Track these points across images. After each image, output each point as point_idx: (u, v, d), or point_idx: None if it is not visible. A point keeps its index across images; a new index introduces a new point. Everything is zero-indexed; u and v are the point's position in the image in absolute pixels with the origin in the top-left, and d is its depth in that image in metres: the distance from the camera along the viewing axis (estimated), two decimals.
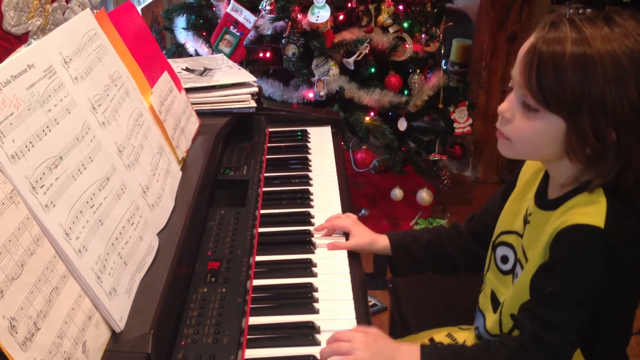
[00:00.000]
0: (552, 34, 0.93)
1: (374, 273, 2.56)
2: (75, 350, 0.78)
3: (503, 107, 1.01)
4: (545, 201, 1.07)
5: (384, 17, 2.64)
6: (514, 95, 1.00)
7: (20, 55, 0.87)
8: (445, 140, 2.96)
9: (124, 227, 0.97)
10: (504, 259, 1.16)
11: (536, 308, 1.00)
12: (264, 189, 1.48)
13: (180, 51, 2.76)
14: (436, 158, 2.88)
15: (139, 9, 3.20)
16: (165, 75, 1.42)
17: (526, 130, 0.98)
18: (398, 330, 1.49)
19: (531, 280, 1.02)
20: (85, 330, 0.81)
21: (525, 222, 1.11)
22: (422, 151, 2.95)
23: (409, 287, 1.54)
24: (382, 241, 1.32)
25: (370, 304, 2.42)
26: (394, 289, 1.55)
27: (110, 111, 1.06)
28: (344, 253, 1.27)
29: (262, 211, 1.39)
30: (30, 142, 0.81)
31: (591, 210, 0.96)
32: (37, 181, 0.80)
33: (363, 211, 2.96)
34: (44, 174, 0.82)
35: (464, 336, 1.29)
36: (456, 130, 2.88)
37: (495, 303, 1.17)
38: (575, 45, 0.91)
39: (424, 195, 2.94)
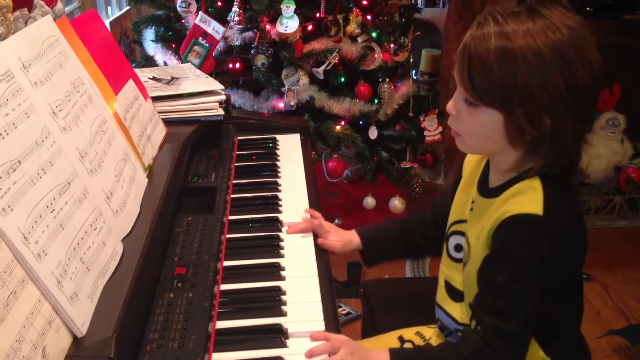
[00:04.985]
0: (479, 32, 0.99)
1: (348, 281, 2.56)
2: (35, 355, 0.76)
3: (450, 105, 1.07)
4: (486, 189, 1.12)
5: (352, 27, 2.67)
6: (457, 93, 1.05)
7: None
8: (416, 148, 2.99)
9: (86, 232, 0.96)
10: (458, 248, 1.20)
11: (490, 301, 1.04)
12: (233, 196, 1.47)
13: (149, 63, 2.74)
14: (407, 166, 2.91)
15: (107, 22, 3.19)
16: (131, 82, 1.41)
17: (470, 124, 1.04)
18: (369, 332, 1.49)
19: (478, 271, 1.05)
20: (45, 335, 0.80)
21: (471, 209, 1.15)
22: (394, 159, 2.97)
23: (379, 289, 1.55)
24: (355, 239, 1.38)
25: (344, 312, 2.43)
26: (365, 292, 1.55)
27: (72, 117, 1.05)
28: (312, 256, 1.27)
29: (231, 217, 1.38)
30: None
31: (529, 199, 1.00)
32: None
33: (337, 220, 2.96)
34: (1, 177, 0.81)
35: (431, 333, 1.30)
36: (427, 138, 2.91)
37: (452, 292, 1.19)
38: (497, 41, 0.96)
39: (397, 203, 2.96)
